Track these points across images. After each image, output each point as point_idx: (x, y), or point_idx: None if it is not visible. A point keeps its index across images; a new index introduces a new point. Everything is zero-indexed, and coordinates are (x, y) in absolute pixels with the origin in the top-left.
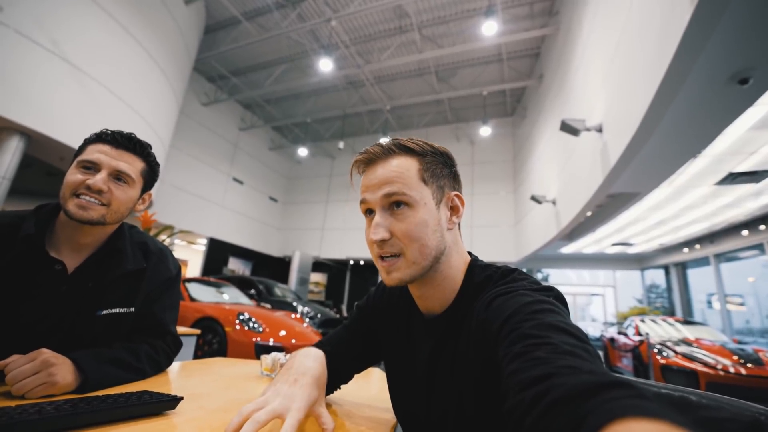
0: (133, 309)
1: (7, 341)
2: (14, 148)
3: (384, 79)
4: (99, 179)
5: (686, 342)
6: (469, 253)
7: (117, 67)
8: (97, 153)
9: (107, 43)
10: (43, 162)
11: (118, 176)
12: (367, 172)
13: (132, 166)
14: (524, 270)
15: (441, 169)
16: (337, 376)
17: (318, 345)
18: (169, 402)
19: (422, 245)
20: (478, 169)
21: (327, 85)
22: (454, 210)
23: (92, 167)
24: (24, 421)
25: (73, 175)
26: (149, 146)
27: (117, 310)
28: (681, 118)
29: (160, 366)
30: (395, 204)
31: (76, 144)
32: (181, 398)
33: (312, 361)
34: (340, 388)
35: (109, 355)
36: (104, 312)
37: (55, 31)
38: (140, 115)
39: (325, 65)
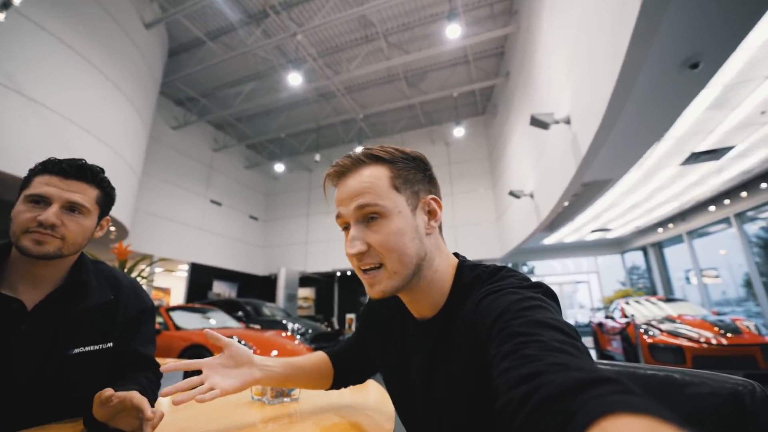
0: (110, 344)
1: None
2: None
3: (355, 89)
4: (51, 214)
5: (670, 319)
6: (456, 254)
7: (78, 98)
8: (45, 186)
9: (66, 73)
10: (3, 201)
11: (71, 207)
12: (339, 185)
13: (85, 195)
14: (510, 265)
15: (414, 174)
16: (343, 374)
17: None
18: None
19: (401, 254)
20: (455, 168)
21: (298, 98)
22: (431, 214)
23: (42, 201)
24: None
25: (23, 213)
26: (101, 171)
27: (92, 348)
28: (642, 104)
29: (156, 398)
30: (369, 215)
31: None
32: None
33: None
34: (346, 387)
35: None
36: (77, 351)
37: (7, 64)
38: (107, 145)
39: (295, 79)
